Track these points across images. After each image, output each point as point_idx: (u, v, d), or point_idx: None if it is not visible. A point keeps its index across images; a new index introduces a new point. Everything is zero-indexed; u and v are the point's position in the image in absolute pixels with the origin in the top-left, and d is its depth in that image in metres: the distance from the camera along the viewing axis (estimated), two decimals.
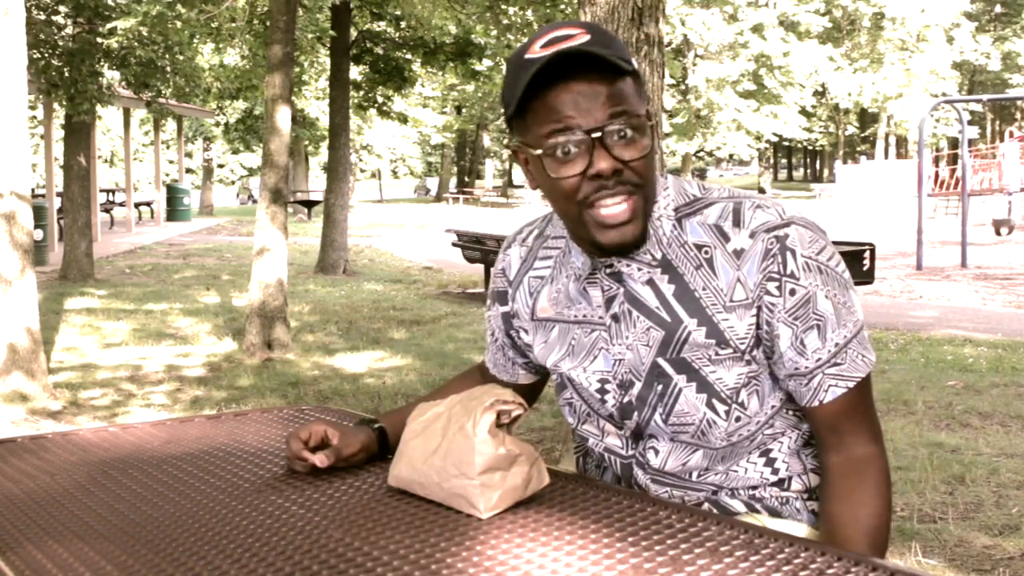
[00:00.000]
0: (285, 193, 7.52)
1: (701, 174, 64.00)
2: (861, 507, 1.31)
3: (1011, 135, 27.25)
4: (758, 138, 42.22)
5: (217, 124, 33.99)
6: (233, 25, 12.20)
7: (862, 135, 52.79)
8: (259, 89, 15.46)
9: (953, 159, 32.63)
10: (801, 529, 1.40)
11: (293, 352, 7.43)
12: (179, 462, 1.55)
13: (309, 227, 25.27)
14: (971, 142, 33.89)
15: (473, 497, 1.23)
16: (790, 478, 1.41)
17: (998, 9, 48.12)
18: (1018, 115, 49.80)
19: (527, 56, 1.25)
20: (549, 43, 1.24)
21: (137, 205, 25.46)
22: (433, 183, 55.69)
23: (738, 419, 1.35)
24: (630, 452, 1.42)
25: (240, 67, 15.83)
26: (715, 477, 1.40)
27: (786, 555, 1.08)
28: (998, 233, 19.75)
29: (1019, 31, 45.82)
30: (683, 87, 39.57)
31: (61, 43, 11.72)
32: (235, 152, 47.92)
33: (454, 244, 12.19)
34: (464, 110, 41.92)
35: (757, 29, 39.39)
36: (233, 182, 57.40)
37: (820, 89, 44.32)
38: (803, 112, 44.54)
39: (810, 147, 59.67)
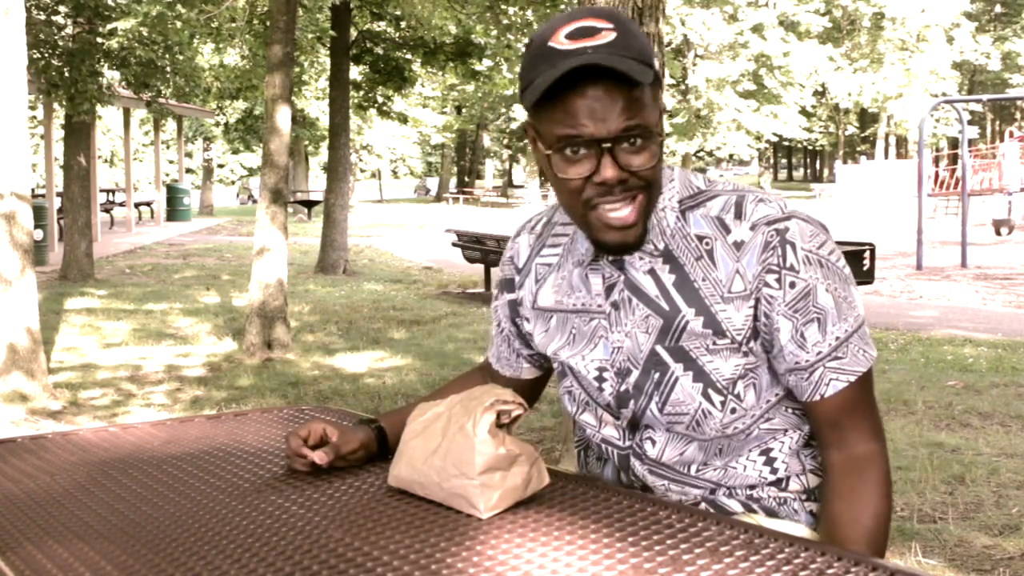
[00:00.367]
0: (285, 193, 7.52)
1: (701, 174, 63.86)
2: (862, 506, 1.31)
3: (1011, 135, 27.25)
4: (758, 138, 42.20)
5: (217, 124, 33.98)
6: (233, 25, 12.20)
7: (862, 135, 52.78)
8: (259, 89, 15.46)
9: (953, 159, 32.63)
10: (799, 530, 1.39)
11: (293, 352, 7.43)
12: (179, 462, 1.55)
13: (309, 227, 25.27)
14: (971, 142, 33.89)
15: (473, 497, 1.23)
16: (788, 478, 1.41)
17: (998, 9, 48.11)
18: (1018, 115, 49.79)
19: (550, 44, 1.24)
20: (574, 34, 1.23)
21: (137, 205, 25.46)
22: (433, 183, 55.68)
23: (733, 411, 1.35)
24: (627, 443, 1.43)
25: (240, 67, 15.84)
26: (713, 473, 1.40)
27: (786, 555, 1.08)
28: (998, 233, 19.75)
29: (1019, 31, 45.81)
30: (683, 87, 39.55)
31: (61, 43, 11.72)
32: (235, 152, 47.91)
33: (454, 244, 12.19)
34: (464, 110, 41.91)
35: (757, 29, 39.37)
36: (233, 182, 57.39)
37: (820, 89, 44.31)
38: (803, 112, 44.52)
39: (810, 147, 59.67)
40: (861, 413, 1.34)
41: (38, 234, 12.68)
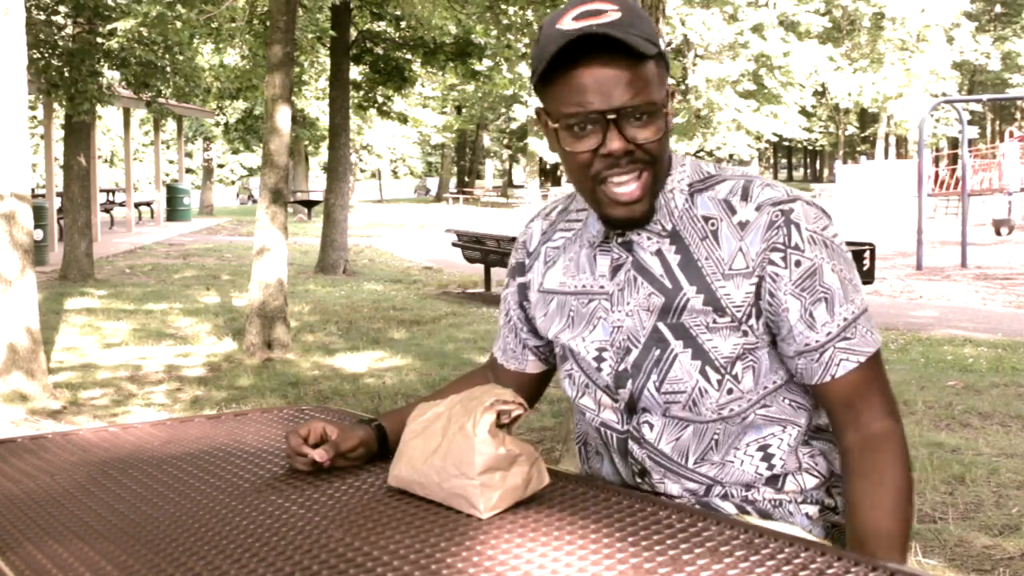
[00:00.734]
0: (285, 193, 7.52)
1: None
2: (882, 483, 1.30)
3: (1011, 135, 27.25)
4: (758, 138, 42.21)
5: (217, 124, 33.98)
6: (233, 25, 12.20)
7: (862, 135, 52.78)
8: (259, 89, 15.46)
9: (953, 159, 32.63)
10: (795, 532, 1.38)
11: (293, 352, 7.43)
12: (179, 462, 1.55)
13: (309, 227, 25.27)
14: (971, 142, 33.89)
15: (473, 497, 1.23)
16: (785, 476, 1.41)
17: (998, 9, 48.10)
18: (1018, 115, 49.79)
19: (558, 27, 1.27)
20: (581, 16, 1.27)
21: (137, 205, 25.46)
22: (433, 183, 55.67)
23: (730, 391, 1.35)
24: (625, 427, 1.44)
25: (240, 67, 15.84)
26: (710, 468, 1.40)
27: (786, 555, 1.08)
28: (998, 233, 19.75)
29: (1019, 31, 45.81)
30: (683, 87, 39.55)
31: (61, 43, 11.72)
32: (235, 152, 47.91)
33: (454, 244, 12.19)
34: (464, 110, 41.91)
35: (757, 29, 39.38)
36: (233, 182, 57.37)
37: (820, 89, 44.31)
38: (803, 112, 44.53)
39: (810, 147, 59.67)
40: (874, 392, 1.35)
41: (38, 234, 12.69)
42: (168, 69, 13.47)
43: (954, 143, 42.38)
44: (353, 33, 14.50)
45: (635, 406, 1.41)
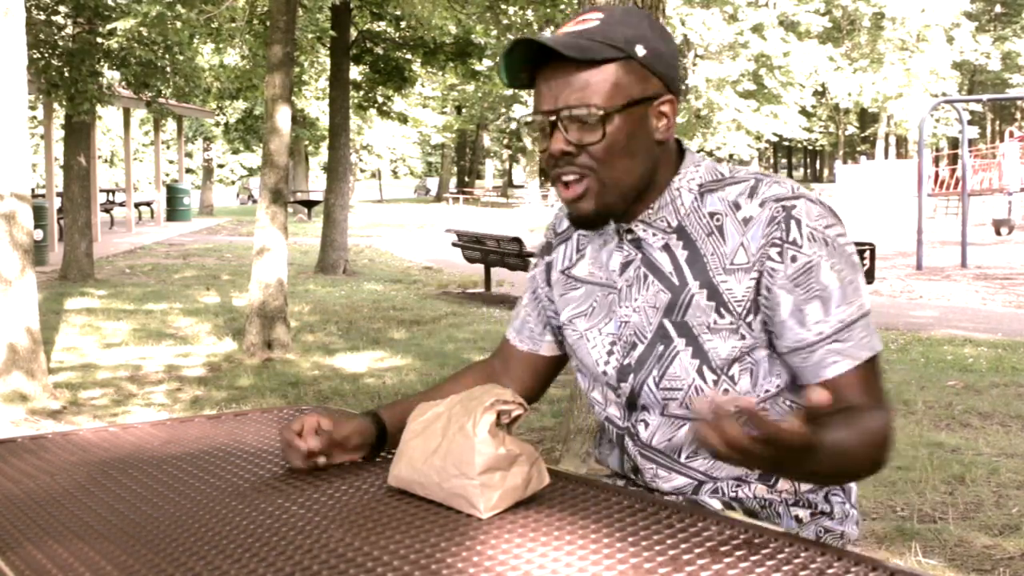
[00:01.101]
0: (285, 193, 7.52)
1: None
2: (860, 425, 1.23)
3: (1011, 135, 27.25)
4: (758, 138, 42.20)
5: (217, 124, 33.98)
6: (233, 25, 12.20)
7: (862, 135, 52.75)
8: (259, 89, 15.45)
9: (953, 159, 32.63)
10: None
11: (293, 352, 7.43)
12: (179, 462, 1.55)
13: (309, 227, 25.27)
14: (971, 142, 33.86)
15: (473, 497, 1.23)
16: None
17: (998, 9, 48.09)
18: (1018, 115, 49.78)
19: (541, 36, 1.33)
20: (566, 25, 1.34)
21: (137, 205, 25.45)
22: (433, 183, 55.66)
23: (726, 392, 1.36)
24: (625, 424, 1.45)
25: (240, 67, 15.83)
26: (702, 462, 1.40)
27: (786, 555, 1.08)
28: (998, 233, 19.75)
29: (1019, 31, 45.80)
30: (683, 87, 39.54)
31: (61, 43, 11.71)
32: (235, 152, 47.89)
33: (454, 244, 12.19)
34: (464, 110, 41.90)
35: (757, 29, 39.37)
36: (233, 182, 57.36)
37: (820, 89, 44.29)
38: (803, 112, 44.52)
39: (810, 147, 59.65)
40: (867, 392, 1.30)
41: (38, 234, 12.68)
42: (168, 69, 13.47)
43: (954, 143, 42.37)
44: (353, 33, 14.50)
45: (635, 403, 1.42)
